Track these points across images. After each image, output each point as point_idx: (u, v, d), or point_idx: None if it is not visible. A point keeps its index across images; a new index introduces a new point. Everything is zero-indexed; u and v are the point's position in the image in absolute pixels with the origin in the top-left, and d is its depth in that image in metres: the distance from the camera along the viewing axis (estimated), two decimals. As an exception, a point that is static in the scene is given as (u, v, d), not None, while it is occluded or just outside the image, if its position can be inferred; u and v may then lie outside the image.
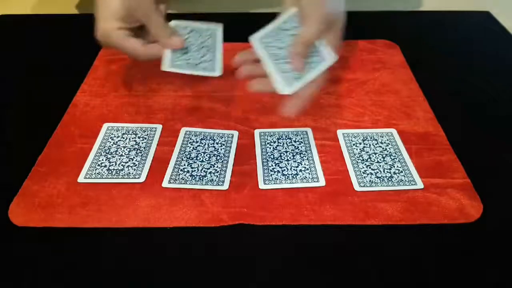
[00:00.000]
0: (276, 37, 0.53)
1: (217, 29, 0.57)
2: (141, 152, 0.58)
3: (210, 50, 0.56)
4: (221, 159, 0.57)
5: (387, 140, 0.60)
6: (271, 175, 0.55)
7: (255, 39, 0.53)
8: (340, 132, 0.61)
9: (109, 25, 0.55)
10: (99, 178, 0.54)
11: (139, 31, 0.57)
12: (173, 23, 0.56)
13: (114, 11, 0.55)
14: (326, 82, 0.54)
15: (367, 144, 0.59)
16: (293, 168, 0.56)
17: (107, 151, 0.58)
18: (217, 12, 0.81)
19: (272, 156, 0.57)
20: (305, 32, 0.51)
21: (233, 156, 0.57)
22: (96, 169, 0.55)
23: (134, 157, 0.57)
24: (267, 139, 0.60)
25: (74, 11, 0.92)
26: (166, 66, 0.55)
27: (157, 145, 0.59)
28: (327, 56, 0.53)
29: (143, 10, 0.54)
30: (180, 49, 0.55)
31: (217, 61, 0.56)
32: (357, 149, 0.59)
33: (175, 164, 0.56)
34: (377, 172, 0.55)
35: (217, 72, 0.56)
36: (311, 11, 0.51)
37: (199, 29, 0.57)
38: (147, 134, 0.60)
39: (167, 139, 0.60)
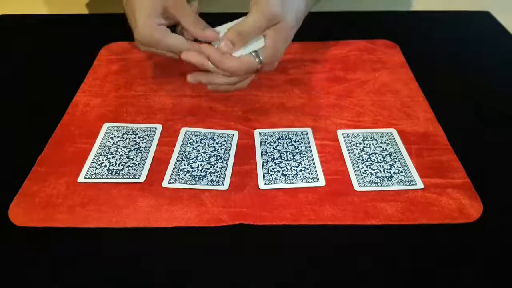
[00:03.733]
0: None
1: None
2: (141, 152, 0.58)
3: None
4: (221, 159, 0.57)
5: (387, 140, 0.60)
6: (271, 175, 0.55)
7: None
8: (340, 132, 0.61)
9: (150, 23, 0.55)
10: (99, 178, 0.54)
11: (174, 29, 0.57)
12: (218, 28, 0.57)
13: (152, 8, 0.55)
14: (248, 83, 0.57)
15: (367, 144, 0.59)
16: (293, 168, 0.56)
17: (107, 151, 0.58)
18: (217, 12, 0.81)
19: (272, 156, 0.57)
20: (243, 23, 0.53)
21: (233, 156, 0.57)
22: (96, 169, 0.55)
23: (134, 157, 0.57)
24: (267, 139, 0.60)
25: (74, 11, 0.93)
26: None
27: (157, 145, 0.59)
28: (256, 42, 0.55)
29: (179, 7, 0.55)
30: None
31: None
32: (357, 149, 0.59)
33: (175, 164, 0.56)
34: (377, 172, 0.55)
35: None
36: (255, 5, 0.53)
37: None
38: (147, 134, 0.60)
39: (167, 139, 0.60)
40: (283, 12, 0.54)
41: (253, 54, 0.54)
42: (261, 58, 0.54)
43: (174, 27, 0.58)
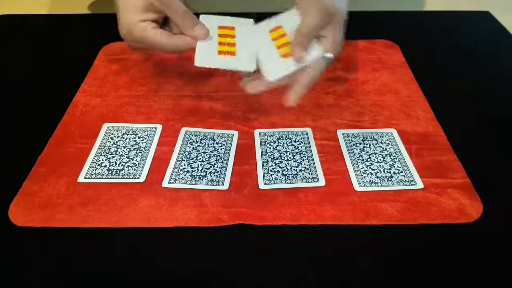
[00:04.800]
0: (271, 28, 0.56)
1: (249, 21, 0.58)
2: (141, 152, 0.58)
3: (242, 47, 0.55)
4: (221, 159, 0.57)
5: (387, 140, 0.60)
6: (271, 175, 0.55)
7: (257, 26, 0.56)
8: (340, 132, 0.61)
9: (131, 19, 0.54)
10: (99, 178, 0.54)
11: (166, 22, 0.56)
12: (202, 17, 0.55)
13: (134, 4, 0.54)
14: (325, 70, 0.55)
15: (367, 144, 0.59)
16: (293, 168, 0.56)
17: (107, 151, 0.58)
18: (218, 12, 0.81)
19: (272, 156, 0.57)
20: (304, 23, 0.53)
21: (233, 156, 0.57)
22: (96, 169, 0.55)
23: (134, 157, 0.57)
24: (267, 139, 0.60)
25: (74, 11, 0.92)
26: (197, 61, 0.53)
27: (157, 145, 0.59)
28: (314, 52, 0.54)
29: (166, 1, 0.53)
30: (209, 42, 0.54)
31: (252, 58, 0.55)
32: (357, 149, 0.59)
33: (175, 164, 0.56)
34: (377, 172, 0.55)
35: (252, 67, 0.54)
36: (309, 4, 0.53)
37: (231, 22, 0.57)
38: (147, 134, 0.60)
39: (167, 139, 0.60)
40: (337, 4, 0.54)
41: (325, 55, 0.54)
42: (329, 55, 0.54)
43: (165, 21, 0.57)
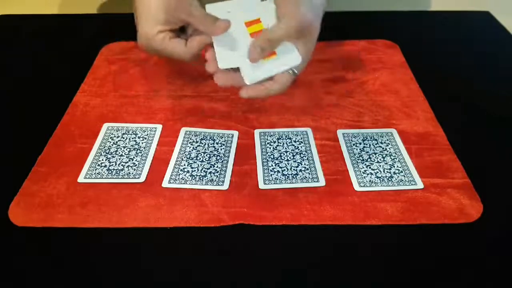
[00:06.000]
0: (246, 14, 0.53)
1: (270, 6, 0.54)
2: (141, 152, 0.58)
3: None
4: (221, 159, 0.57)
5: (387, 140, 0.60)
6: (271, 175, 0.55)
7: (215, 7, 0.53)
8: (340, 132, 0.61)
9: (149, 30, 0.53)
10: (99, 178, 0.54)
11: (183, 29, 0.56)
12: (208, 7, 0.54)
13: (154, 15, 0.53)
14: (286, 89, 0.53)
15: (367, 144, 0.59)
16: (293, 168, 0.56)
17: (107, 151, 0.58)
18: None
19: (272, 156, 0.57)
20: (274, 30, 0.51)
21: (233, 156, 0.57)
22: (96, 169, 0.55)
23: (134, 157, 0.57)
24: (267, 139, 0.60)
25: (74, 11, 0.92)
26: (222, 63, 0.51)
27: (157, 145, 0.59)
28: (293, 58, 0.52)
29: (185, 8, 0.52)
30: (227, 40, 0.52)
31: (292, 50, 0.52)
32: (357, 149, 0.59)
33: (175, 164, 0.56)
34: (377, 172, 0.55)
35: (298, 60, 0.52)
36: (288, 14, 0.51)
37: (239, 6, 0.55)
38: (147, 134, 0.60)
39: (167, 139, 0.60)
40: (313, 18, 0.52)
41: (290, 72, 0.53)
42: (296, 71, 0.53)
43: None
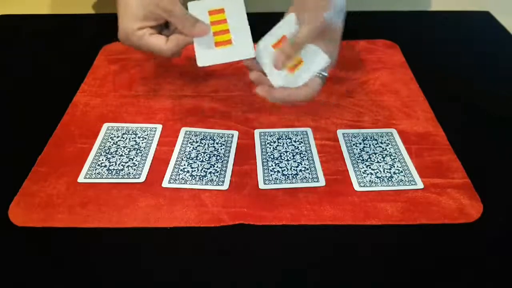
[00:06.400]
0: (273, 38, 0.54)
1: (238, 1, 0.55)
2: (141, 152, 0.58)
3: (236, 31, 0.54)
4: (221, 159, 0.57)
5: (387, 140, 0.60)
6: (271, 175, 0.55)
7: (259, 45, 0.54)
8: (340, 132, 0.61)
9: (129, 26, 0.54)
10: (99, 178, 0.54)
11: (167, 26, 0.56)
12: (190, 5, 0.54)
13: (133, 12, 0.54)
14: (317, 93, 0.54)
15: (367, 144, 0.59)
16: (293, 168, 0.56)
17: (107, 151, 0.58)
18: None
19: (272, 156, 0.57)
20: (297, 34, 0.52)
21: (233, 156, 0.57)
22: (96, 169, 0.55)
23: (134, 157, 0.57)
24: (267, 139, 0.60)
25: (74, 11, 0.93)
26: (199, 62, 0.53)
27: (157, 145, 0.59)
28: (320, 60, 0.53)
29: (164, 6, 0.53)
30: (206, 39, 0.53)
31: (248, 43, 0.54)
32: (357, 149, 0.59)
33: (175, 164, 0.56)
34: (377, 172, 0.55)
35: (251, 53, 0.53)
36: (308, 18, 0.52)
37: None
38: (147, 134, 0.60)
39: (167, 139, 0.60)
40: (333, 17, 0.53)
41: (319, 75, 0.54)
42: (324, 74, 0.54)
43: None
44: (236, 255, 0.47)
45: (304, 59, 0.54)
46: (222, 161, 0.57)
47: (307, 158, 0.57)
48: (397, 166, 0.56)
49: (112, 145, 0.59)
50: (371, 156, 0.58)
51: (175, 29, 0.56)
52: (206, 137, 0.60)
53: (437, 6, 0.96)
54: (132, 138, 0.60)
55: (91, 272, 0.46)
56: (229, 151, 0.58)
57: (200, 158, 0.57)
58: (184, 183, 0.54)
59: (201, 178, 0.54)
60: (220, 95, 0.67)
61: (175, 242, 0.48)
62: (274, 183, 0.54)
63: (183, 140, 0.60)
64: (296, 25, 0.53)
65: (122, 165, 0.56)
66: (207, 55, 0.53)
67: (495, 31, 0.85)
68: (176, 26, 0.54)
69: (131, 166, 0.56)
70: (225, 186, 0.53)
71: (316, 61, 0.53)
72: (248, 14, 0.55)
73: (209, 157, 0.57)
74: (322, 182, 0.54)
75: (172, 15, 0.53)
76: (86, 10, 0.95)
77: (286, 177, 0.55)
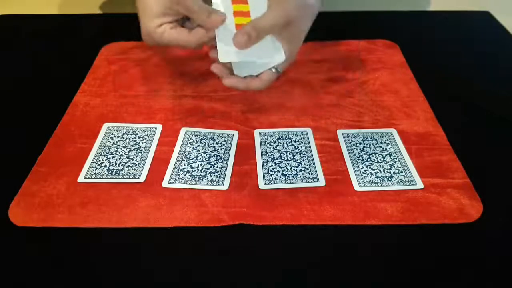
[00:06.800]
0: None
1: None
2: (141, 152, 0.58)
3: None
4: (221, 159, 0.57)
5: (387, 140, 0.60)
6: (271, 175, 0.55)
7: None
8: (340, 132, 0.61)
9: (149, 25, 0.54)
10: (99, 178, 0.54)
11: (184, 19, 0.56)
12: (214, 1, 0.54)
13: (152, 10, 0.54)
14: (268, 86, 0.55)
15: (367, 144, 0.59)
16: (293, 168, 0.56)
17: (107, 151, 0.58)
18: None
19: (272, 156, 0.57)
20: (261, 19, 0.52)
21: (233, 156, 0.57)
22: (96, 169, 0.55)
23: (134, 157, 0.57)
24: (267, 139, 0.60)
25: (75, 11, 0.93)
26: (222, 58, 0.52)
27: (157, 145, 0.59)
28: (276, 55, 0.53)
29: (181, 1, 0.53)
30: (228, 34, 0.52)
31: (277, 47, 0.54)
32: (357, 149, 0.59)
33: (175, 164, 0.56)
34: (377, 172, 0.55)
35: (282, 57, 0.53)
36: (275, 4, 0.52)
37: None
38: (147, 134, 0.60)
39: (167, 139, 0.60)
40: (302, 15, 0.53)
41: (273, 70, 0.55)
42: (279, 70, 0.55)
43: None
44: (236, 255, 0.47)
45: (263, 51, 0.53)
46: (222, 161, 0.57)
47: (307, 158, 0.57)
48: (397, 166, 0.56)
49: (112, 145, 0.59)
50: (371, 156, 0.58)
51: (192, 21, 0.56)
52: (206, 137, 0.60)
53: (437, 6, 0.96)
54: (132, 138, 0.60)
55: (91, 272, 0.46)
56: (229, 151, 0.58)
57: (200, 158, 0.57)
58: (184, 183, 0.54)
59: (201, 178, 0.54)
60: (220, 95, 0.67)
61: (175, 242, 0.48)
62: (274, 183, 0.54)
63: (183, 140, 0.60)
64: (264, 4, 0.53)
65: (122, 165, 0.56)
66: (229, 52, 0.52)
67: (495, 31, 0.85)
68: (192, 18, 0.54)
69: (131, 166, 0.56)
70: (225, 186, 0.53)
71: (275, 56, 0.53)
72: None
73: (209, 157, 0.57)
74: (322, 182, 0.54)
75: (187, 9, 0.53)
76: (86, 10, 0.95)
77: (286, 177, 0.55)
